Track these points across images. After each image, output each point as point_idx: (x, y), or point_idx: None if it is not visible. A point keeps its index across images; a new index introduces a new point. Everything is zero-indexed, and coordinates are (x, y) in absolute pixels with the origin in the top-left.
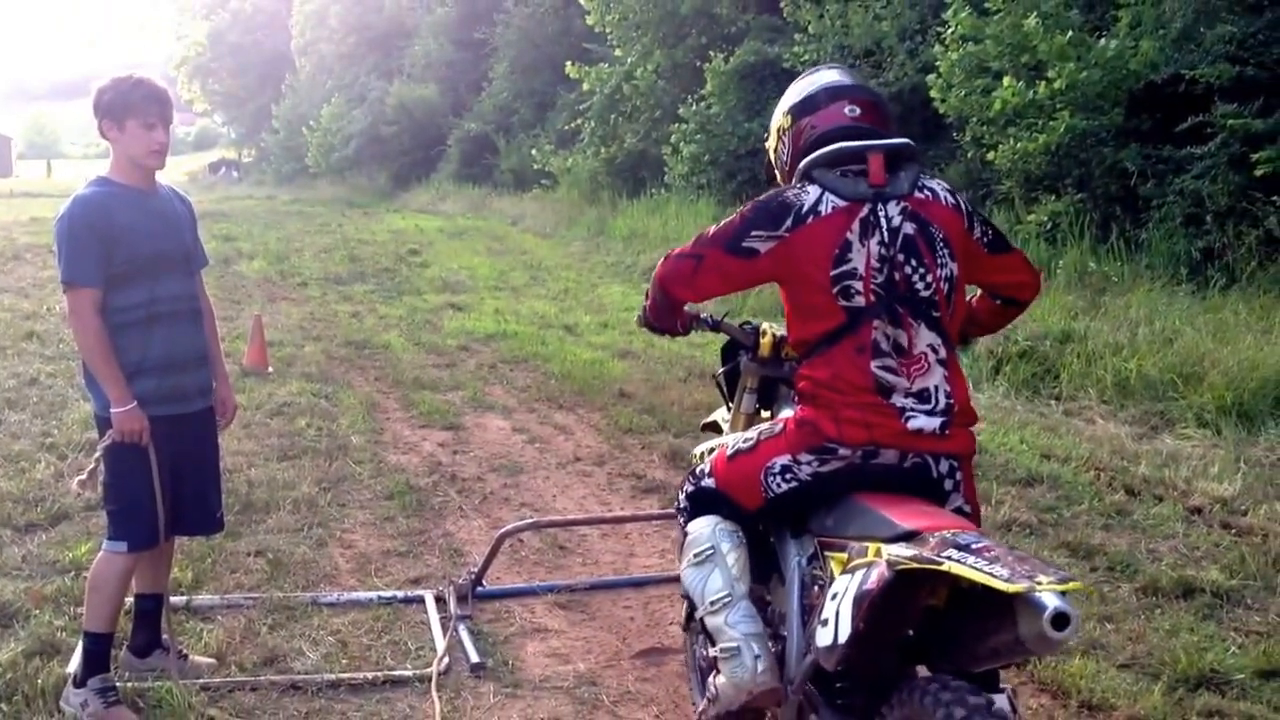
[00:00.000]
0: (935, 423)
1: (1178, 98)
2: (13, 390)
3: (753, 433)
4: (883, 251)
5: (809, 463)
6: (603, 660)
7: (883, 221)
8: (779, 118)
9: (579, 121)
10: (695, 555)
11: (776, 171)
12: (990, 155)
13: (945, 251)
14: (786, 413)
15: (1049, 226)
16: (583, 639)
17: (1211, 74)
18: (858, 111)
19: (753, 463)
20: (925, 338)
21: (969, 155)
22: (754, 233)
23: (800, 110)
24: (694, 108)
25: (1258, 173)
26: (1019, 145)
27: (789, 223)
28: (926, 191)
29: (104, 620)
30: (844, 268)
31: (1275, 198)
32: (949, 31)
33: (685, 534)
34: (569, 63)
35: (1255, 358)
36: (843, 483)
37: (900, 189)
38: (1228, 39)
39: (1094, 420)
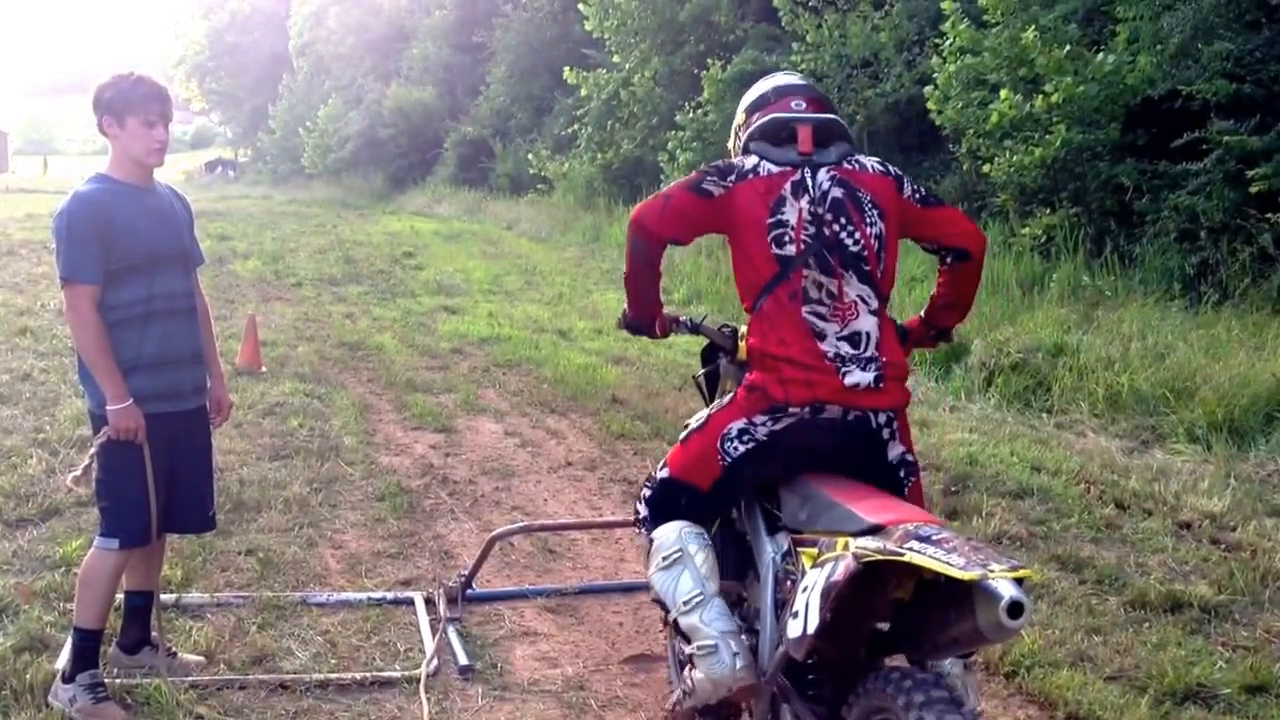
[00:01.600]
0: (869, 377)
1: (1174, 114)
2: (5, 385)
3: (702, 413)
4: (813, 209)
5: (764, 423)
6: (591, 665)
7: (810, 185)
8: (737, 116)
9: (576, 127)
10: (664, 559)
11: None
12: (986, 168)
13: (874, 212)
14: None
15: (1043, 240)
16: (572, 643)
17: (1208, 90)
18: (804, 105)
19: (708, 436)
20: (856, 288)
21: (965, 167)
22: (710, 178)
23: (753, 108)
24: (691, 115)
25: (1253, 190)
26: (1015, 158)
27: (733, 178)
28: (855, 164)
29: (94, 617)
30: (778, 217)
31: (1270, 215)
32: (947, 43)
33: (650, 541)
34: (567, 68)
35: (1247, 374)
36: (795, 441)
37: (828, 159)
38: (1225, 56)
39: (1085, 434)
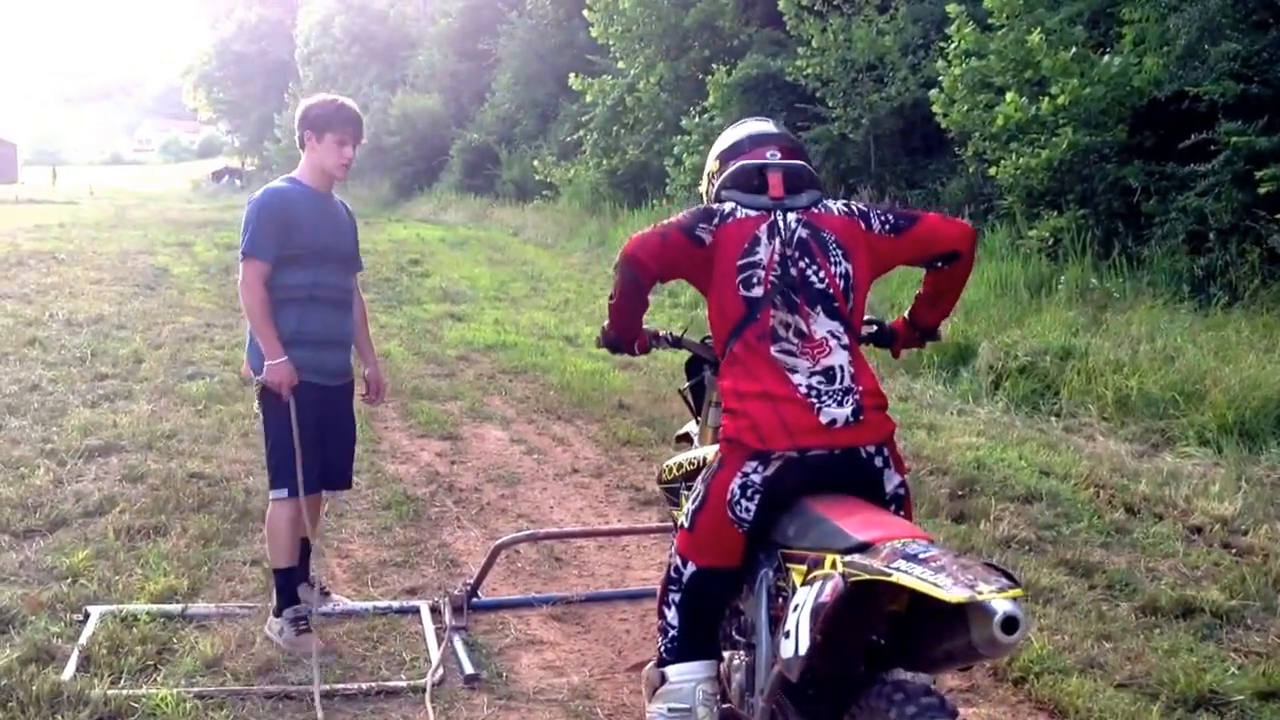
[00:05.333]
0: (846, 411)
1: (1181, 115)
2: (14, 395)
3: (696, 489)
4: (784, 250)
5: (756, 470)
6: (597, 673)
7: (782, 227)
8: (710, 163)
9: (581, 133)
10: (670, 709)
11: None
12: (992, 170)
13: (839, 253)
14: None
15: (1051, 242)
16: (578, 651)
17: (1215, 91)
18: (779, 156)
19: (714, 508)
20: (825, 325)
21: (971, 170)
22: (701, 224)
23: (728, 155)
24: (696, 120)
25: (1261, 190)
26: (1021, 161)
27: (715, 222)
28: (822, 208)
29: (284, 558)
30: (750, 259)
31: (1279, 216)
32: (952, 46)
33: (662, 676)
34: (572, 74)
35: (1257, 376)
36: (793, 479)
37: (799, 203)
38: (1232, 56)
39: (1094, 437)
